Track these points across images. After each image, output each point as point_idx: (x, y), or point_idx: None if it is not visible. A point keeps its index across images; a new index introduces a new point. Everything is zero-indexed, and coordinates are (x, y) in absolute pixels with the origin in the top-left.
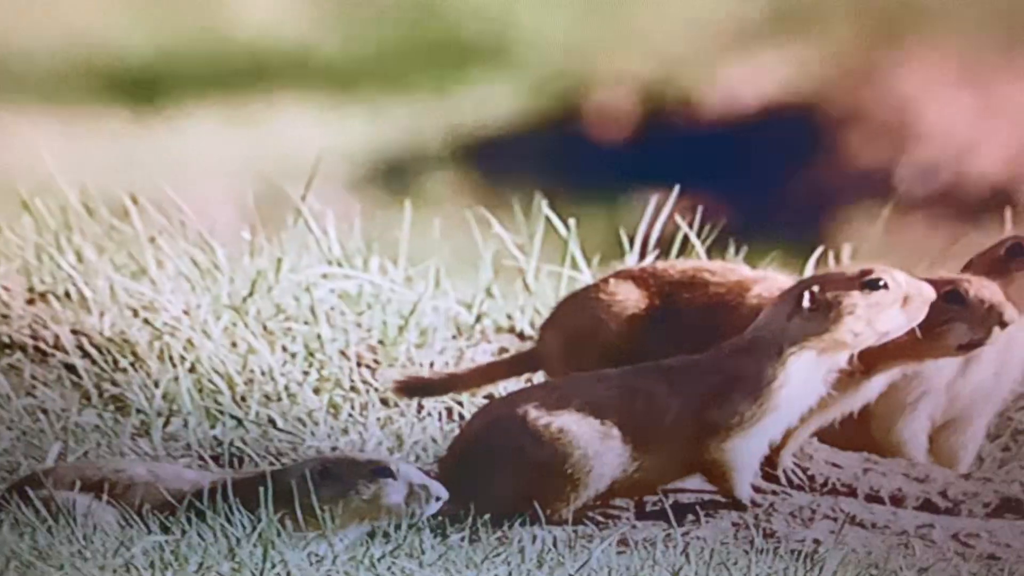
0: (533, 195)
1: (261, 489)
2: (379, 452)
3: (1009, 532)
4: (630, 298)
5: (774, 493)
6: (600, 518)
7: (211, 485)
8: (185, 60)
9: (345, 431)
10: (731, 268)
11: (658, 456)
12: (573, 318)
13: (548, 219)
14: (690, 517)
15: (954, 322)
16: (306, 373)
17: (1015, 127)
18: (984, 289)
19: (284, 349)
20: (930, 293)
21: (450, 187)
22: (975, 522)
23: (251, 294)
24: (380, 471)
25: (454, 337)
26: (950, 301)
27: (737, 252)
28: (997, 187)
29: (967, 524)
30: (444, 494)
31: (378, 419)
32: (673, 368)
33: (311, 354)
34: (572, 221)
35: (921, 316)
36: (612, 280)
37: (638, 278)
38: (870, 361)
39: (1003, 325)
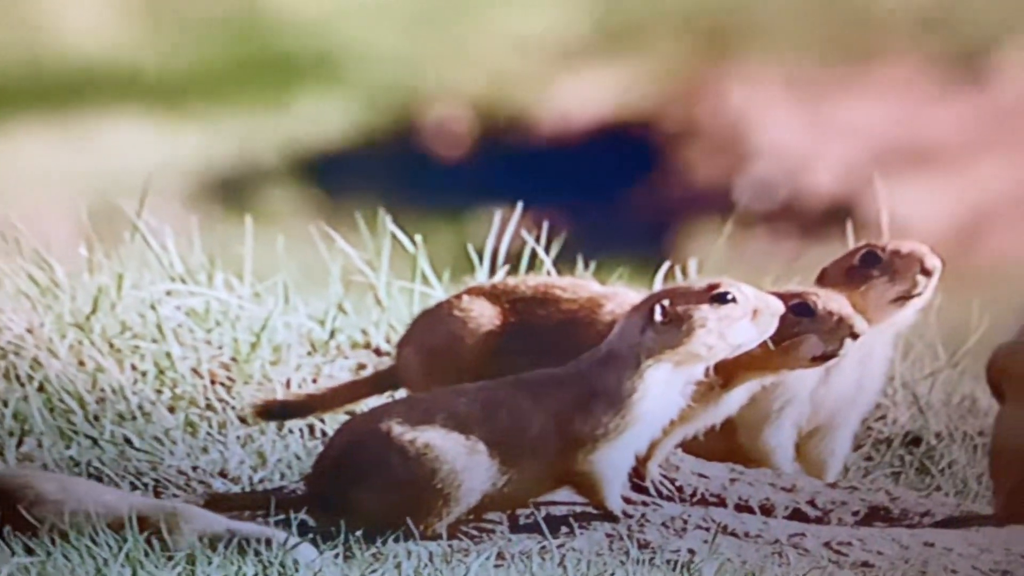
0: (376, 211)
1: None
2: (241, 471)
3: (880, 540)
4: (485, 314)
5: (644, 504)
6: (475, 532)
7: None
8: (10, 74)
9: (205, 450)
10: (582, 284)
11: (526, 469)
12: (430, 335)
13: (394, 235)
14: (564, 529)
15: (805, 334)
16: (159, 391)
17: (846, 142)
18: (832, 302)
19: (134, 367)
20: (779, 306)
21: (290, 202)
22: (846, 530)
23: (94, 311)
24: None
25: (309, 354)
26: (799, 314)
27: (586, 267)
28: (835, 201)
29: (838, 532)
30: None
31: (238, 437)
32: (534, 381)
33: (162, 372)
34: (418, 237)
35: (772, 329)
36: (465, 296)
37: (491, 294)
38: (727, 374)
39: (854, 336)
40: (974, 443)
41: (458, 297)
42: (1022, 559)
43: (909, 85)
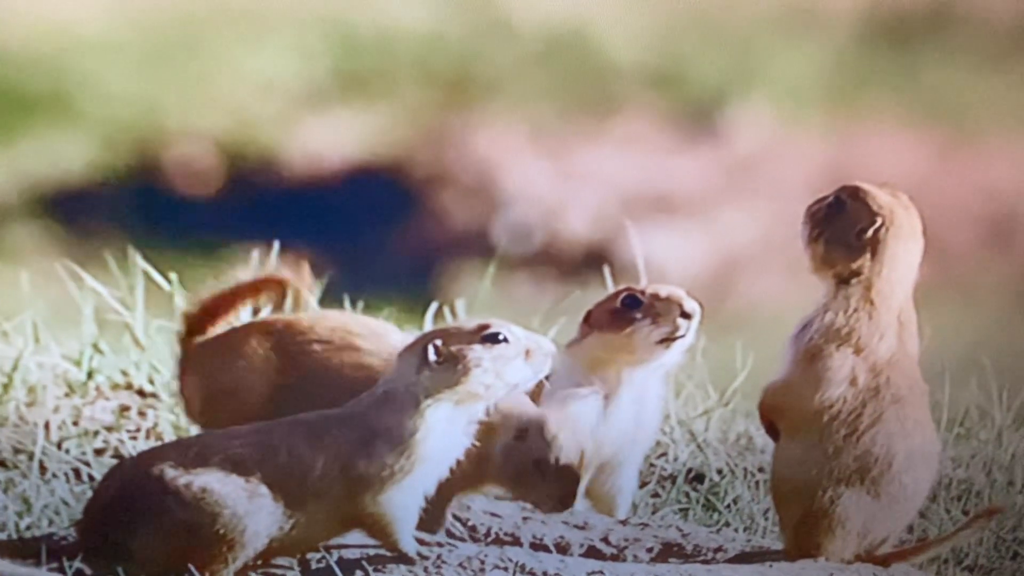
0: (126, 248)
1: None
2: (6, 517)
3: None
4: (270, 352)
5: (439, 545)
6: None
7: None
8: None
9: None
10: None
11: (313, 512)
12: (216, 369)
13: (147, 273)
14: (359, 573)
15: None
16: None
17: (594, 190)
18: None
19: None
20: (550, 346)
21: (32, 239)
22: (644, 567)
23: None
24: None
25: (67, 395)
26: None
27: (353, 307)
28: (591, 246)
29: (636, 570)
30: None
31: None
32: (312, 423)
33: None
34: (173, 275)
35: (546, 369)
36: (243, 331)
37: (267, 332)
38: None
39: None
40: (755, 479)
41: (236, 331)
42: None
43: (648, 137)
